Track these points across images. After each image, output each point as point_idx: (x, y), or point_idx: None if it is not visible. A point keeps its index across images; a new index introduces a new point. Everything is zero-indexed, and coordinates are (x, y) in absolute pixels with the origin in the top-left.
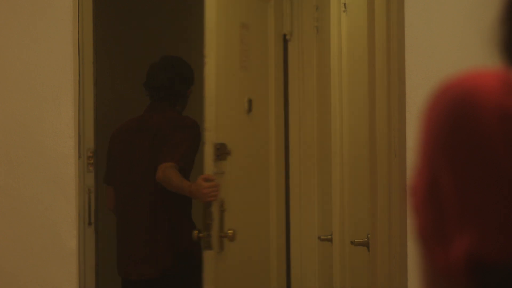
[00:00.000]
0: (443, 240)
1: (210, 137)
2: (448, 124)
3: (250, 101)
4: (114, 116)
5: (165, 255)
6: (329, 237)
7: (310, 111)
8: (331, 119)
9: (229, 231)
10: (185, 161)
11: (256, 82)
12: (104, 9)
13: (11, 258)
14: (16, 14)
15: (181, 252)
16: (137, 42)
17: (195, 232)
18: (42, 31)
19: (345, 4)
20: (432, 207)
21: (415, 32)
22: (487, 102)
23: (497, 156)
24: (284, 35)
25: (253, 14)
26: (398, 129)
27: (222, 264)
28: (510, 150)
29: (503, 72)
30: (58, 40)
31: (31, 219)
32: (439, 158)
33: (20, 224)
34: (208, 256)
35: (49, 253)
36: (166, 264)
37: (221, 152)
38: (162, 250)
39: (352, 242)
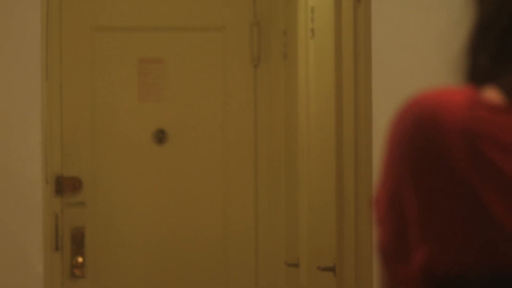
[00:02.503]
0: (404, 253)
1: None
2: (411, 136)
3: (162, 132)
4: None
5: None
6: (296, 262)
7: (277, 136)
8: (298, 145)
9: None
10: None
11: (178, 112)
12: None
13: None
14: None
15: None
16: None
17: None
18: (9, 56)
19: (312, 30)
20: (393, 220)
21: (381, 57)
22: (452, 116)
23: (459, 170)
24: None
25: (176, 48)
26: (365, 155)
27: None
28: (472, 165)
29: (469, 89)
30: (26, 65)
31: None
32: (402, 170)
33: None
34: None
35: (15, 278)
36: None
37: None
38: None
39: (318, 268)
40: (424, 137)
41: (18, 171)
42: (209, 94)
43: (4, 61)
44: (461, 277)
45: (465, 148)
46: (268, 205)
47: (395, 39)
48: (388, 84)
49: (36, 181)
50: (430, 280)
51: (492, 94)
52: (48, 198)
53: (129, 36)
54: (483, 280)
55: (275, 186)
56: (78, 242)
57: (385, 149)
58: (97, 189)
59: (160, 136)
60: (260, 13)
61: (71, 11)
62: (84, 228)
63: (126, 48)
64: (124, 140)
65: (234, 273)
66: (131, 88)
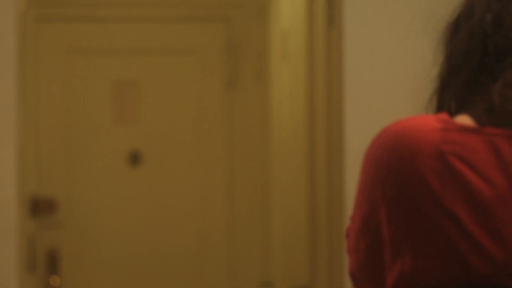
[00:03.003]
0: (377, 275)
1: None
2: (386, 157)
3: (137, 154)
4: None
5: None
6: (270, 281)
7: (253, 157)
8: (272, 167)
9: None
10: None
11: (153, 134)
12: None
13: None
14: None
15: None
16: None
17: None
18: None
19: (286, 53)
20: (367, 243)
21: (354, 80)
22: (425, 136)
23: (432, 189)
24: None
25: (151, 71)
26: (337, 175)
27: None
28: (444, 182)
29: (442, 115)
30: (0, 86)
31: None
32: (377, 192)
33: None
34: None
35: None
36: None
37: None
38: None
39: (291, 286)
40: (399, 158)
41: None
42: (184, 117)
43: None
44: None
45: (438, 166)
46: (243, 226)
47: (368, 62)
48: (361, 108)
49: (11, 202)
50: None
51: (463, 119)
52: (23, 219)
53: (104, 59)
54: None
55: (250, 206)
56: (53, 264)
57: (360, 175)
58: (73, 210)
59: (135, 158)
60: (234, 37)
61: (47, 34)
62: (60, 249)
63: (101, 70)
64: (99, 162)
65: None
66: (106, 110)
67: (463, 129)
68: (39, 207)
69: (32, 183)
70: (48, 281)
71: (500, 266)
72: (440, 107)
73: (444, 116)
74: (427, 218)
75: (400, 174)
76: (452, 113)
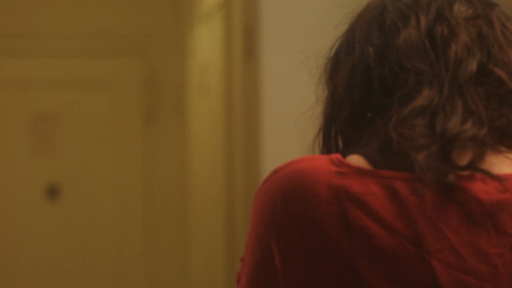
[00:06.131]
0: None
1: None
2: (277, 198)
3: (54, 187)
4: None
5: None
6: None
7: (174, 190)
8: (191, 198)
9: None
10: None
11: (71, 167)
12: None
13: None
14: None
15: None
16: None
17: None
18: None
19: (204, 87)
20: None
21: (272, 113)
22: (321, 180)
23: (330, 235)
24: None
25: (69, 104)
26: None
27: None
28: (342, 230)
29: (335, 155)
30: None
31: None
32: (269, 236)
33: None
34: None
35: None
36: None
37: None
38: None
39: None
40: (294, 202)
41: None
42: (102, 150)
43: None
44: None
45: (336, 212)
46: (161, 257)
47: (285, 95)
48: (278, 140)
49: None
50: None
51: (357, 160)
52: None
53: (23, 92)
54: None
55: (167, 237)
56: None
57: (251, 217)
58: None
59: (53, 191)
60: (152, 70)
61: None
62: None
63: (19, 103)
64: (16, 195)
65: None
66: (24, 143)
67: (359, 172)
68: None
69: None
70: None
71: None
72: (327, 143)
73: (337, 156)
74: (324, 266)
75: (297, 220)
76: (340, 150)
